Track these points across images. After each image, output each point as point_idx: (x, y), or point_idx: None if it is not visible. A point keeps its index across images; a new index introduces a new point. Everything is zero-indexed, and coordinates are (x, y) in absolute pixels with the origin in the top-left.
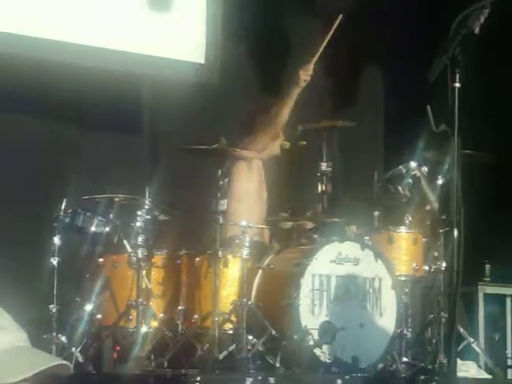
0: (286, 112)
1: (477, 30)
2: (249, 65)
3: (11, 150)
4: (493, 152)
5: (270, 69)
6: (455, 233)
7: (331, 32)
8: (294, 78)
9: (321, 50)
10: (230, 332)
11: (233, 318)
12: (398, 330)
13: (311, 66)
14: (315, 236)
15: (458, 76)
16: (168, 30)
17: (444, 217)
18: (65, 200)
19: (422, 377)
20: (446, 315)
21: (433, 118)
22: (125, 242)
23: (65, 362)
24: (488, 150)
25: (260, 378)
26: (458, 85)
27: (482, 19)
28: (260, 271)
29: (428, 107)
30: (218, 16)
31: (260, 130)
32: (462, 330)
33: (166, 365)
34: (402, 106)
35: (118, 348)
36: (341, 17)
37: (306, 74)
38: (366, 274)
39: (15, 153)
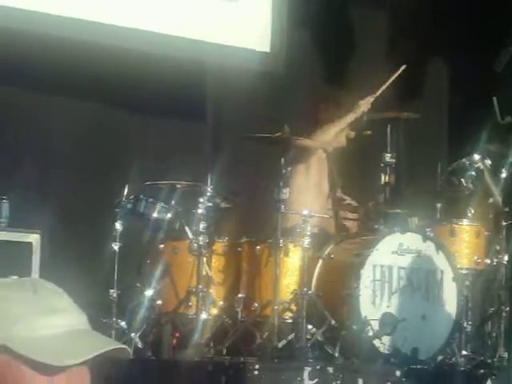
0: (338, 127)
1: None
2: (314, 53)
3: (75, 136)
4: None
5: (335, 58)
6: None
7: (394, 77)
8: (353, 107)
9: (383, 88)
10: (290, 321)
11: (292, 307)
12: (458, 323)
13: (371, 100)
14: (377, 227)
15: None
16: (234, 18)
17: (507, 209)
18: (127, 186)
19: (482, 370)
20: (506, 309)
21: (498, 110)
22: (186, 228)
23: (124, 347)
24: None
25: (318, 367)
26: None
27: None
28: (320, 261)
29: (494, 99)
30: (283, 4)
31: (324, 122)
32: None
33: (224, 352)
34: (466, 98)
35: (177, 334)
36: (404, 67)
37: (365, 106)
38: (428, 265)
39: (79, 139)
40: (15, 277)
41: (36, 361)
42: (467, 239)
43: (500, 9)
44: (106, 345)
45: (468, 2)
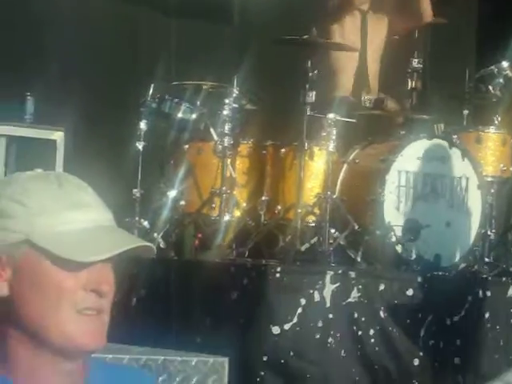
0: None
1: None
2: None
3: (100, 33)
4: None
5: None
6: None
7: None
8: None
9: None
10: (313, 224)
11: (316, 211)
12: (482, 231)
13: None
14: (403, 132)
15: None
16: None
17: None
18: (152, 85)
19: (504, 278)
20: None
21: None
22: (211, 129)
23: (149, 244)
24: None
25: (340, 271)
26: None
27: None
28: (345, 165)
29: None
30: None
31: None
32: None
33: (247, 254)
34: (496, 4)
35: (199, 235)
36: None
37: None
38: (453, 172)
39: (105, 36)
40: (39, 170)
41: (59, 255)
42: (493, 147)
43: None
44: (130, 242)
45: None
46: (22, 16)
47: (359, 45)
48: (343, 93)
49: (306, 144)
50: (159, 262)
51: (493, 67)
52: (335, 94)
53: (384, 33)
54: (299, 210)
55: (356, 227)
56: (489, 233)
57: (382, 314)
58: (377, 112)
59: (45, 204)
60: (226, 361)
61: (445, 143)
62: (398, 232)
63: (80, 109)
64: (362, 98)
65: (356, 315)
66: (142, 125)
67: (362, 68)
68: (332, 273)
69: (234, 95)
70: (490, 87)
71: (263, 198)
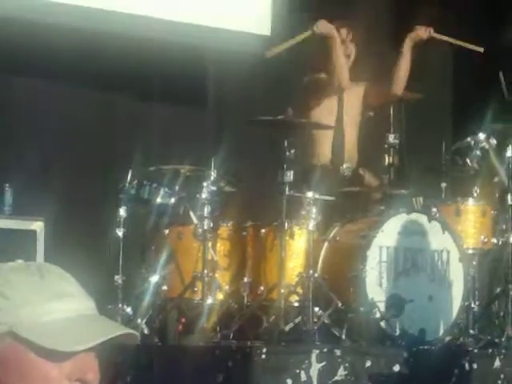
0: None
1: None
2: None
3: (78, 122)
4: None
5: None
6: None
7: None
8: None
9: None
10: (296, 304)
11: (299, 290)
12: (466, 303)
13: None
14: (382, 208)
15: None
16: (234, 2)
17: None
18: (130, 171)
19: (489, 350)
20: None
21: (505, 87)
22: (191, 213)
23: (132, 332)
24: None
25: (326, 350)
26: None
27: None
28: (326, 243)
29: (501, 74)
30: None
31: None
32: None
33: (231, 337)
34: (470, 77)
35: (183, 320)
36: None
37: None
38: (434, 246)
39: (82, 124)
40: (20, 261)
41: (43, 346)
42: (473, 219)
43: None
44: (114, 330)
45: None
46: None
47: (334, 117)
48: (322, 163)
49: (286, 223)
50: (144, 348)
51: (469, 139)
52: (314, 164)
53: (360, 105)
54: (282, 291)
55: (339, 305)
56: (472, 305)
57: None
58: (356, 189)
59: (27, 295)
60: None
61: (424, 217)
62: (382, 308)
63: (59, 197)
64: (341, 167)
65: None
66: (122, 211)
67: (339, 139)
68: (318, 351)
69: (212, 178)
70: (467, 159)
71: (245, 279)
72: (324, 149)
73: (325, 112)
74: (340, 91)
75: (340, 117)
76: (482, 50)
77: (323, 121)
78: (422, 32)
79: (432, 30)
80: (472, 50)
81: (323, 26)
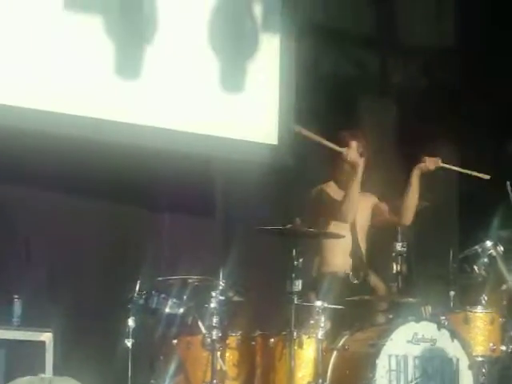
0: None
1: None
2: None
3: (86, 232)
4: None
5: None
6: None
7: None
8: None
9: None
10: None
11: None
12: None
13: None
14: (390, 316)
15: None
16: (240, 112)
17: None
18: (139, 282)
19: None
20: None
21: None
22: (199, 323)
23: None
24: None
25: None
26: None
27: None
28: (335, 352)
29: (508, 184)
30: (290, 97)
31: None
32: None
33: None
34: (477, 184)
35: None
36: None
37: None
38: (443, 354)
39: (90, 234)
40: (28, 376)
41: None
42: (482, 326)
43: (508, 89)
44: None
45: (473, 84)
46: (7, 221)
47: (344, 226)
48: (331, 271)
49: (295, 333)
50: None
51: (477, 247)
52: (323, 272)
53: (369, 214)
54: None
55: None
56: None
57: None
58: (365, 297)
59: None
60: None
61: (433, 325)
62: None
63: (68, 308)
64: (350, 275)
65: None
66: (130, 321)
67: (349, 247)
68: None
69: (221, 288)
70: (475, 267)
71: None
72: (333, 257)
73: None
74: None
75: (351, 226)
76: (488, 177)
77: (334, 229)
78: (431, 163)
79: (440, 161)
80: (481, 176)
81: (353, 155)
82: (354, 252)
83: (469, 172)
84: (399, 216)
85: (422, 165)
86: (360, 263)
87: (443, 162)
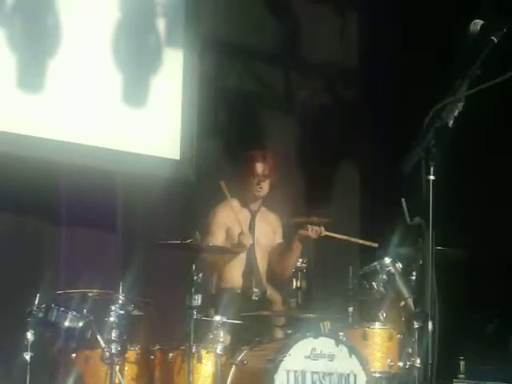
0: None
1: (451, 123)
2: (225, 161)
3: None
4: (463, 248)
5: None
6: (430, 325)
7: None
8: None
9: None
10: None
11: None
12: None
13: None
14: (289, 331)
15: (432, 169)
16: (143, 126)
17: (418, 310)
18: (38, 295)
19: None
20: None
21: (407, 212)
22: (98, 337)
23: None
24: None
25: None
26: (432, 177)
27: (456, 112)
28: (234, 367)
29: (403, 200)
30: (193, 112)
31: None
32: None
33: None
34: (376, 201)
35: None
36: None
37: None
38: (341, 370)
39: None
40: None
41: None
42: (380, 342)
43: (407, 111)
44: None
45: (375, 105)
46: None
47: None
48: (230, 287)
49: (194, 347)
50: None
51: (375, 263)
52: (222, 288)
53: (271, 232)
54: None
55: None
56: None
57: None
58: (264, 312)
59: None
60: None
61: (331, 341)
62: None
63: None
64: (250, 291)
65: None
66: (29, 335)
67: (249, 265)
68: None
69: (120, 302)
70: (374, 283)
71: None
72: (233, 273)
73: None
74: (253, 218)
75: (252, 244)
76: (376, 245)
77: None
78: (313, 233)
79: (323, 230)
80: (368, 244)
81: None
82: (251, 270)
83: (355, 240)
84: (280, 271)
85: (303, 232)
86: (260, 281)
87: (327, 230)
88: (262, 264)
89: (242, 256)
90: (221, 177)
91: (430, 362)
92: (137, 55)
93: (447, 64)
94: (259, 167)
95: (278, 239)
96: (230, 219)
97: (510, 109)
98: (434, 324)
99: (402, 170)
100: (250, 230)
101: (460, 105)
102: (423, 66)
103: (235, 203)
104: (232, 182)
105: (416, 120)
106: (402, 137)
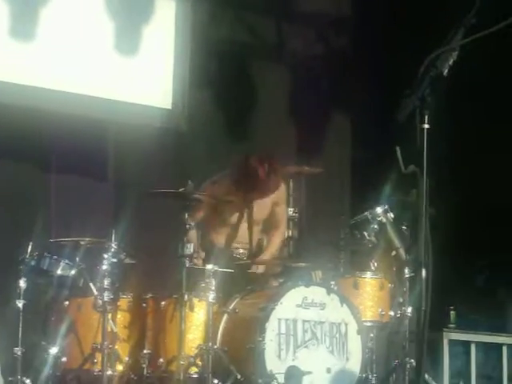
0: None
1: (445, 72)
2: (216, 110)
3: None
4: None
5: (236, 114)
6: (423, 272)
7: None
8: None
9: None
10: (196, 376)
11: (198, 362)
12: (363, 375)
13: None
14: (281, 280)
15: (426, 117)
16: (135, 76)
17: (409, 262)
18: (31, 243)
19: None
20: (410, 361)
21: (402, 160)
22: (90, 285)
23: None
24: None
25: None
26: (426, 126)
27: (451, 61)
28: (225, 315)
29: (397, 149)
30: (185, 62)
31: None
32: (426, 376)
33: None
34: (368, 151)
35: None
36: None
37: None
38: (332, 318)
39: None
40: None
41: None
42: (371, 292)
43: (400, 60)
44: None
45: (367, 54)
46: None
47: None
48: (221, 243)
49: (186, 296)
50: None
51: (367, 213)
52: (213, 242)
53: (268, 212)
54: (181, 362)
55: (239, 377)
56: (370, 377)
57: None
58: (254, 259)
59: None
60: None
61: (323, 290)
62: (281, 380)
63: None
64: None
65: None
66: (22, 282)
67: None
68: None
69: (113, 250)
70: (365, 233)
71: (145, 351)
72: (223, 239)
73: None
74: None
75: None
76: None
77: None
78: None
79: None
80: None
81: None
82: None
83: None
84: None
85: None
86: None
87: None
88: (255, 233)
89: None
90: (213, 125)
91: (423, 308)
92: (129, 3)
93: (441, 12)
94: (260, 189)
95: (280, 208)
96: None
97: (505, 58)
98: (427, 271)
99: (396, 118)
100: (246, 211)
101: (455, 54)
102: (417, 13)
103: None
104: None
105: (408, 68)
106: (394, 85)
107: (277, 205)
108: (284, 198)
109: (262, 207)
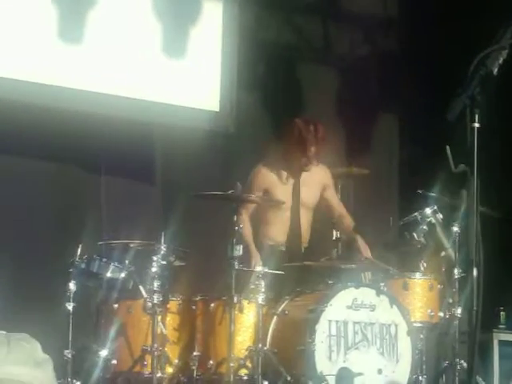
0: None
1: (495, 71)
2: (264, 112)
3: (29, 196)
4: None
5: (284, 116)
6: (474, 271)
7: None
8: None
9: None
10: (245, 378)
11: (248, 364)
12: (414, 377)
13: None
14: (331, 282)
15: (477, 116)
16: (182, 78)
17: (459, 262)
18: (80, 246)
19: None
20: (460, 362)
21: (452, 159)
22: (140, 287)
23: None
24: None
25: None
26: (477, 125)
27: (501, 60)
28: (275, 317)
29: (447, 148)
30: (233, 64)
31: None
32: (477, 377)
33: None
34: (417, 151)
35: None
36: None
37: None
38: (382, 320)
39: (33, 198)
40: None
41: None
42: (420, 293)
43: (450, 59)
44: None
45: (416, 54)
46: None
47: (290, 198)
48: (273, 242)
49: (235, 297)
50: None
51: (416, 214)
52: (263, 243)
53: (317, 191)
54: (231, 364)
55: (289, 378)
56: (420, 378)
57: None
58: (306, 263)
59: None
60: None
61: (372, 291)
62: (331, 381)
63: (9, 271)
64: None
65: None
66: (72, 285)
67: (294, 221)
68: None
69: (162, 252)
70: (415, 234)
71: (195, 353)
72: (275, 230)
73: (280, 195)
74: (297, 180)
75: (296, 201)
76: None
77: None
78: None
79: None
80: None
81: None
82: (292, 228)
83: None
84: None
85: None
86: (304, 237)
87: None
88: (305, 226)
89: (287, 215)
90: (261, 127)
91: (474, 308)
92: (176, 5)
93: (490, 10)
94: (311, 150)
95: (330, 192)
96: (270, 180)
97: None
98: (478, 271)
99: (446, 117)
100: (294, 192)
101: (504, 52)
102: (464, 13)
103: (279, 164)
104: (272, 143)
105: (458, 68)
106: (443, 85)
107: (325, 189)
108: (332, 183)
109: (311, 191)
